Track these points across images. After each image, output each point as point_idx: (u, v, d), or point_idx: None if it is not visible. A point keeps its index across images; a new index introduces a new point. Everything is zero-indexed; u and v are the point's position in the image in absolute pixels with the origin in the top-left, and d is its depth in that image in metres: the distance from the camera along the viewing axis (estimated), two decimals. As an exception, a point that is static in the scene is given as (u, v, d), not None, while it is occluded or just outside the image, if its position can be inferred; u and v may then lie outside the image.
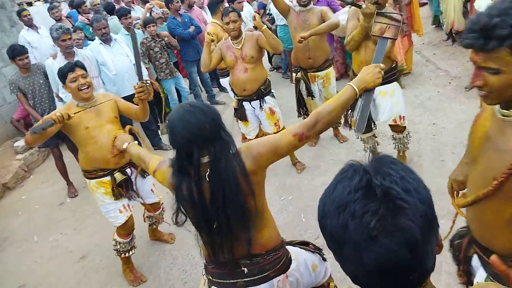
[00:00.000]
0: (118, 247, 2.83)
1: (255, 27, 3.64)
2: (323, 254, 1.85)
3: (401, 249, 0.65)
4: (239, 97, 3.59)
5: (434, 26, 6.95)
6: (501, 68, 1.08)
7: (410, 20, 5.17)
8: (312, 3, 3.71)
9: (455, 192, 1.58)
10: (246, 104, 3.59)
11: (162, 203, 3.11)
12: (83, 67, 2.59)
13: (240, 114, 3.64)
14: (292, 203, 3.45)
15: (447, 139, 3.77)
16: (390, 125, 3.35)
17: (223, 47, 3.43)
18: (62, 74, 2.52)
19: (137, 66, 2.49)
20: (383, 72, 1.55)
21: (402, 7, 4.91)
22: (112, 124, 2.63)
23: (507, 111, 1.18)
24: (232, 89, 3.68)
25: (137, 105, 2.64)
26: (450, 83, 4.96)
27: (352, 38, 2.98)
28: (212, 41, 3.33)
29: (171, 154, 4.85)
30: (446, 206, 1.90)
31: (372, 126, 3.38)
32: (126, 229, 2.81)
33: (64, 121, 2.33)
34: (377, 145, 3.51)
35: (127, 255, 2.89)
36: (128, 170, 2.75)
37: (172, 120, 1.47)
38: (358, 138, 3.69)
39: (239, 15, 3.37)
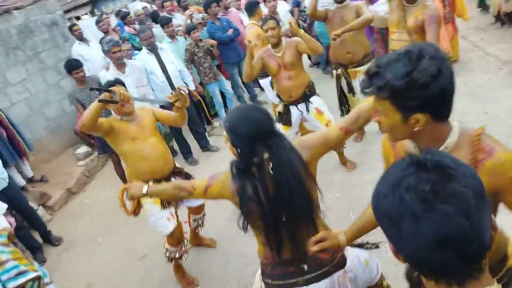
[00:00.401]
0: (168, 254, 2.91)
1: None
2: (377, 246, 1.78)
3: (457, 215, 0.69)
4: (285, 102, 3.61)
5: (480, 9, 6.62)
6: (384, 112, 1.11)
7: (452, 5, 4.98)
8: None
9: None
10: (292, 108, 3.62)
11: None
12: (122, 83, 2.72)
13: (286, 118, 3.65)
14: (340, 200, 3.48)
15: (501, 129, 3.61)
16: None
17: (264, 55, 3.47)
18: None
19: (167, 79, 2.62)
20: None
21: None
22: (155, 136, 2.74)
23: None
24: (277, 95, 3.72)
25: (176, 111, 2.73)
26: (501, 69, 4.74)
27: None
28: (256, 45, 3.41)
29: (219, 155, 5.00)
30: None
31: None
32: (175, 238, 2.87)
33: (125, 101, 2.45)
34: None
35: (178, 262, 2.98)
36: (172, 179, 2.83)
37: (232, 121, 1.56)
38: None
39: (278, 23, 3.40)
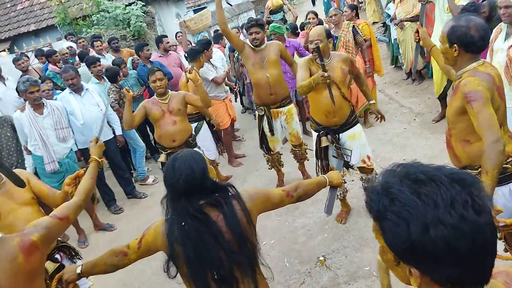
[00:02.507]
0: None
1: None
2: None
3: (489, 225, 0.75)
4: (168, 151, 3.60)
5: (393, 66, 7.39)
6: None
7: (371, 62, 5.48)
8: (265, 42, 3.87)
9: None
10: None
11: None
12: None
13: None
14: (274, 247, 3.40)
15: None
16: (359, 167, 3.38)
17: (147, 103, 3.58)
18: None
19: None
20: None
21: (364, 51, 5.21)
22: (30, 206, 2.35)
23: None
24: (158, 143, 3.78)
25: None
26: (414, 119, 5.22)
27: (301, 87, 3.01)
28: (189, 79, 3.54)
29: (146, 202, 4.69)
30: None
31: (343, 171, 3.35)
32: None
33: None
34: (347, 192, 3.56)
35: None
36: (57, 256, 2.42)
37: (167, 170, 1.61)
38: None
39: (165, 74, 3.58)
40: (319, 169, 3.40)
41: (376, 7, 9.77)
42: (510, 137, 2.02)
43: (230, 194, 1.61)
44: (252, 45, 3.81)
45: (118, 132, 4.68)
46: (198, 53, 4.41)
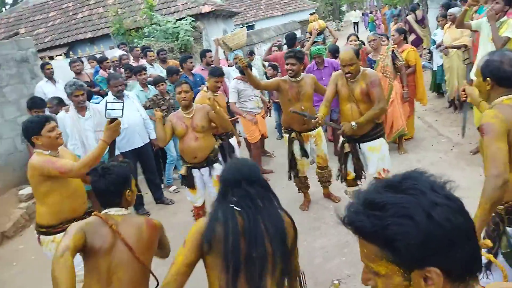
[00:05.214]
0: None
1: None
2: None
3: None
4: (189, 165, 3.65)
5: (435, 93, 7.16)
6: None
7: (413, 88, 5.36)
8: (301, 74, 3.91)
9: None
10: (195, 172, 3.66)
11: None
12: (56, 120, 2.73)
13: (189, 181, 3.68)
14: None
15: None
16: (374, 178, 3.58)
17: (173, 118, 3.61)
18: (39, 124, 2.54)
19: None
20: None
21: (403, 75, 5.11)
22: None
23: None
24: (181, 157, 3.81)
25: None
26: (452, 149, 5.02)
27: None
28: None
29: (172, 209, 4.82)
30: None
31: (359, 181, 3.74)
32: None
33: None
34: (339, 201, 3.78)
35: None
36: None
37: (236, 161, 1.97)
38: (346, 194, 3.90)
39: (191, 88, 3.62)
40: (340, 173, 3.77)
41: (425, 32, 9.55)
42: None
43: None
44: (290, 76, 3.86)
45: (153, 136, 4.85)
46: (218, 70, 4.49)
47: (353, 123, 3.35)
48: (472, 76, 4.65)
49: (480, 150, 2.06)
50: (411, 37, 9.12)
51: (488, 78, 1.90)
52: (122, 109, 2.42)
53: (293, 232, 1.74)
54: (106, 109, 2.40)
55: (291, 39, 6.26)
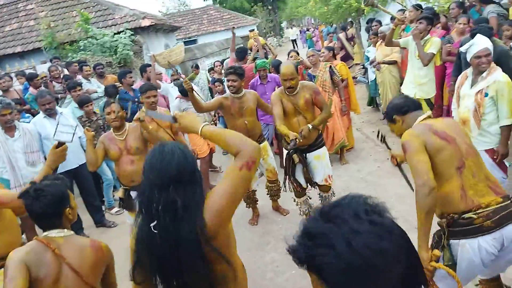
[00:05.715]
0: None
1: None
2: None
3: None
4: (126, 187, 3.51)
5: (372, 107, 7.60)
6: None
7: (348, 101, 5.64)
8: (243, 90, 3.94)
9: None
10: (133, 194, 3.50)
11: None
12: None
13: (127, 204, 3.53)
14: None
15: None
16: (319, 185, 3.81)
17: (104, 140, 3.44)
18: None
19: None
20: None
21: (340, 90, 5.37)
22: None
23: None
24: (118, 179, 3.65)
25: None
26: (388, 159, 5.29)
27: (280, 131, 3.46)
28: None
29: (115, 232, 4.55)
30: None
31: (307, 190, 3.87)
32: None
33: None
34: (311, 208, 3.80)
35: None
36: None
37: (161, 153, 1.43)
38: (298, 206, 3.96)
39: (123, 108, 3.44)
40: (289, 184, 3.84)
41: (359, 49, 10.16)
42: (489, 187, 1.99)
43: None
44: (230, 92, 3.87)
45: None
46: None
47: (309, 126, 3.43)
48: (403, 90, 5.03)
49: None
50: (342, 53, 9.72)
51: (395, 117, 2.24)
52: (74, 133, 2.27)
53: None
54: (56, 130, 2.25)
55: (241, 52, 6.39)
